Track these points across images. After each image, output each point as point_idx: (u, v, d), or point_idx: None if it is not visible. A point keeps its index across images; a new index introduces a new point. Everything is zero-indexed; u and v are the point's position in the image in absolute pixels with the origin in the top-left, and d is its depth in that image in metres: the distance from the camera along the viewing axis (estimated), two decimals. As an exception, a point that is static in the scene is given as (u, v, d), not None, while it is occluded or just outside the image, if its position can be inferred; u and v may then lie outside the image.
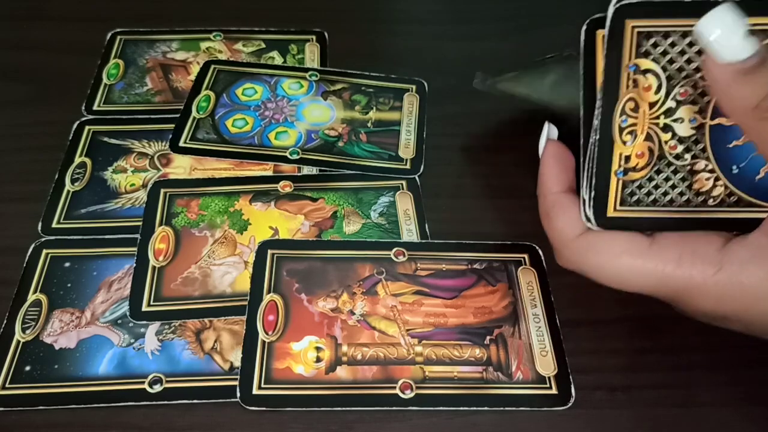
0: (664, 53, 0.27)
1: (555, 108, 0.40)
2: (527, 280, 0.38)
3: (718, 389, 0.34)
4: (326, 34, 0.52)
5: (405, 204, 0.41)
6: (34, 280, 0.37)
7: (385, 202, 0.41)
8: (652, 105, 0.28)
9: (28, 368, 0.34)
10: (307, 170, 0.43)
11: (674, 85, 0.28)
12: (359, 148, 0.44)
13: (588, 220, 0.30)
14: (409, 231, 0.40)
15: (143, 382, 0.34)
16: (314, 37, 0.52)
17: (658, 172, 0.29)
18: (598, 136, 0.28)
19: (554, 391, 0.34)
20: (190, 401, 0.33)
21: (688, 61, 0.27)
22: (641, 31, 0.27)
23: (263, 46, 0.51)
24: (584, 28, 0.29)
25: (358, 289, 0.37)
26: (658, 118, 0.28)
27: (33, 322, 0.35)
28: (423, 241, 0.40)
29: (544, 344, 0.35)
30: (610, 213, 0.29)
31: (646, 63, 0.27)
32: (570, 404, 0.34)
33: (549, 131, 0.32)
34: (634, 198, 0.29)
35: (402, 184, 0.42)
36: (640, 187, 0.29)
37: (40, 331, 0.35)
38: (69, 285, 0.37)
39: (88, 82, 0.48)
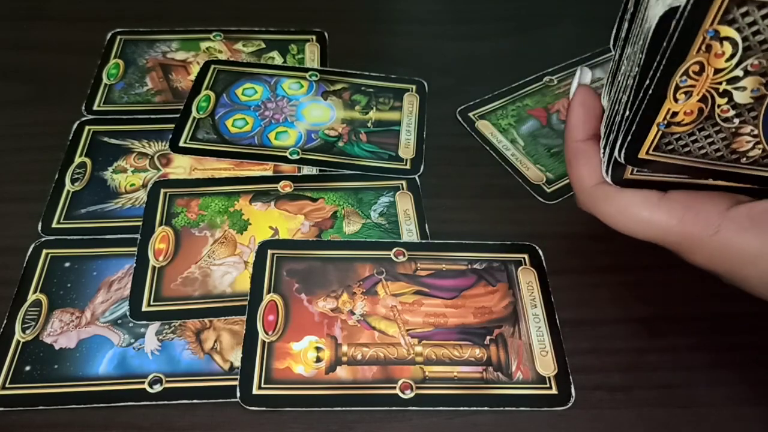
0: (752, 23, 0.25)
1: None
2: (527, 280, 0.38)
3: (718, 389, 0.34)
4: (326, 34, 0.52)
5: (405, 204, 0.41)
6: (34, 280, 0.37)
7: (385, 202, 0.41)
8: (718, 71, 0.27)
9: (28, 368, 0.34)
10: (307, 170, 0.43)
11: (749, 56, 0.26)
12: (359, 148, 0.44)
13: (613, 164, 0.30)
14: (409, 231, 0.40)
15: (143, 382, 0.34)
16: (314, 37, 0.52)
17: (701, 129, 0.28)
18: (651, 91, 0.27)
19: (554, 391, 0.34)
20: (190, 401, 0.33)
21: None
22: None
23: (263, 46, 0.51)
24: None
25: (358, 289, 0.37)
26: (720, 83, 0.27)
27: (33, 322, 0.35)
28: (423, 241, 0.40)
29: (544, 344, 0.35)
30: (642, 155, 0.29)
31: (727, 31, 0.25)
32: (570, 404, 0.34)
33: (581, 75, 0.33)
34: (669, 147, 0.29)
35: (402, 184, 0.42)
36: (678, 139, 0.29)
37: (40, 331, 0.35)
38: (69, 285, 0.37)
39: (88, 82, 0.48)
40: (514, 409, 0.33)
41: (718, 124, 0.28)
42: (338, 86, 0.48)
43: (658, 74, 0.27)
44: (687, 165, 0.29)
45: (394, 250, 0.39)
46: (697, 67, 0.27)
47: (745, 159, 0.29)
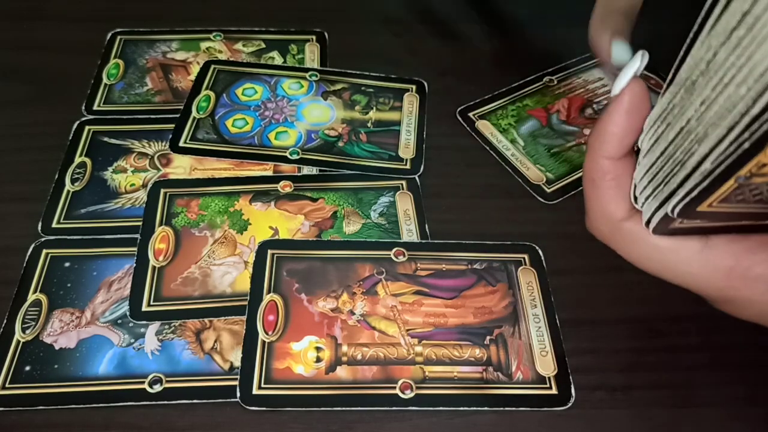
0: None
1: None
2: (527, 281, 0.38)
3: (718, 389, 0.34)
4: (326, 34, 0.52)
5: (405, 204, 0.41)
6: (34, 280, 0.37)
7: (385, 202, 0.41)
8: None
9: (28, 368, 0.34)
10: (307, 170, 0.43)
11: None
12: (359, 148, 0.44)
13: (666, 211, 0.24)
14: (409, 231, 0.40)
15: (143, 382, 0.34)
16: (314, 37, 0.52)
17: None
18: (742, 143, 0.21)
19: (554, 391, 0.34)
20: (190, 401, 0.33)
21: None
22: None
23: (263, 46, 0.51)
24: None
25: (358, 289, 0.37)
26: None
27: (33, 322, 0.35)
28: (423, 241, 0.40)
29: (544, 344, 0.35)
30: (702, 208, 0.24)
31: None
32: (570, 404, 0.34)
33: (642, 60, 0.23)
34: (739, 198, 0.24)
35: (402, 183, 0.42)
36: (752, 189, 0.23)
37: (40, 331, 0.35)
38: (69, 285, 0.37)
39: (88, 82, 0.48)
40: (514, 409, 0.33)
41: None
42: (338, 86, 0.48)
43: (746, 113, 0.21)
44: (750, 212, 0.24)
45: (394, 250, 0.39)
46: None
47: None
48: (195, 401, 0.33)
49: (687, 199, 0.23)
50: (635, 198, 0.25)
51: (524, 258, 0.39)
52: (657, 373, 0.35)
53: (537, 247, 0.39)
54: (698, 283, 0.26)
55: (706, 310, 0.37)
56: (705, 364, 0.35)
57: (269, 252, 0.38)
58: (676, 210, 0.24)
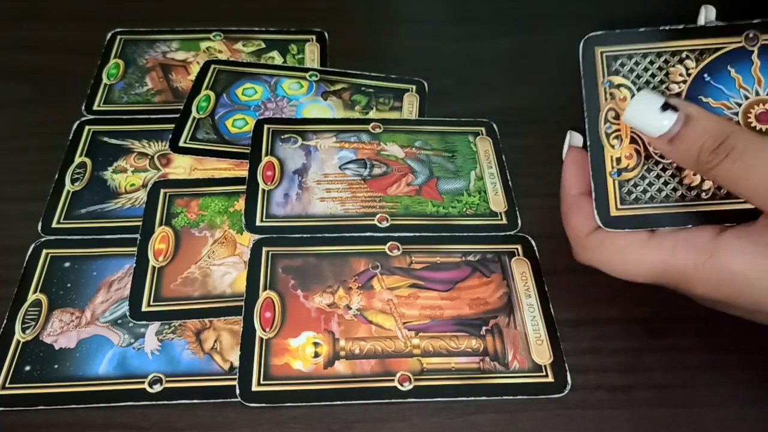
0: (631, 70, 0.32)
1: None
2: (521, 271, 0.38)
3: (718, 389, 0.34)
4: (326, 34, 0.52)
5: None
6: (34, 280, 0.37)
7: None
8: None
9: (28, 368, 0.34)
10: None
11: None
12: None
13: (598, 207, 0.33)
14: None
15: (143, 382, 0.34)
16: (314, 37, 0.52)
17: (649, 170, 0.32)
18: (589, 142, 0.32)
19: (551, 379, 0.34)
20: (190, 401, 0.33)
21: (652, 75, 0.32)
22: (609, 55, 0.33)
23: (263, 46, 0.51)
24: (581, 45, 0.33)
25: (354, 284, 0.37)
26: None
27: (33, 322, 0.35)
28: (416, 234, 0.39)
29: (539, 333, 0.36)
30: (613, 213, 0.32)
31: (617, 79, 0.32)
32: (566, 391, 0.34)
33: (572, 138, 0.35)
34: (632, 196, 0.32)
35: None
36: (635, 185, 0.32)
37: (40, 331, 0.35)
38: (69, 285, 0.37)
39: (88, 82, 0.48)
40: (513, 408, 0.33)
41: (659, 161, 0.32)
42: (338, 86, 0.48)
43: (587, 124, 0.33)
44: (656, 214, 0.31)
45: (389, 244, 0.39)
46: (613, 113, 0.32)
47: (704, 193, 0.31)
48: (195, 401, 0.33)
49: (595, 203, 0.32)
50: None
51: (517, 249, 0.39)
52: (657, 373, 0.35)
53: (529, 238, 0.39)
54: (656, 267, 0.30)
55: (706, 310, 0.37)
56: (705, 364, 0.35)
57: (264, 249, 0.38)
58: (596, 218, 0.32)
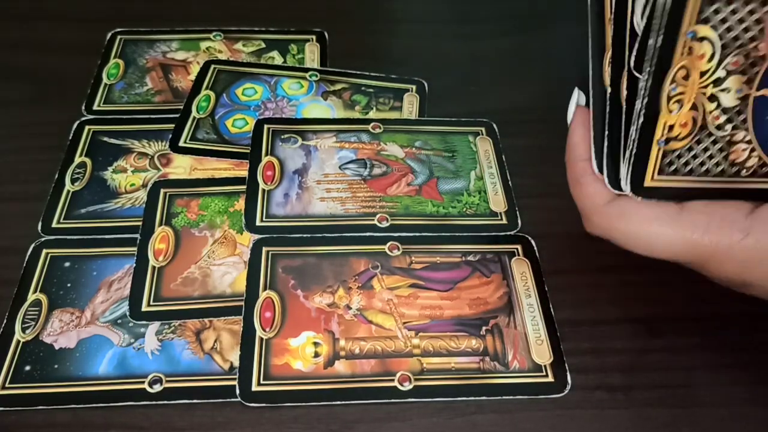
0: (724, 20, 0.27)
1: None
2: (521, 271, 0.38)
3: (718, 389, 0.34)
4: (326, 34, 0.52)
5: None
6: (34, 280, 0.37)
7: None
8: (702, 74, 0.28)
9: (28, 368, 0.34)
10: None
11: (727, 54, 0.27)
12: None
13: (618, 187, 0.30)
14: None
15: (143, 382, 0.34)
16: (314, 37, 0.52)
17: (699, 142, 0.29)
18: (645, 103, 0.28)
19: (550, 379, 0.34)
20: (190, 401, 0.33)
21: (746, 30, 0.27)
22: None
23: (263, 46, 0.51)
24: None
25: (354, 284, 0.37)
26: (706, 87, 0.28)
27: (33, 322, 0.35)
28: (416, 234, 0.39)
29: (539, 333, 0.36)
30: (648, 183, 0.29)
31: (704, 30, 0.27)
32: (566, 391, 0.34)
33: (578, 97, 0.32)
34: (672, 168, 0.29)
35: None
36: (679, 156, 0.29)
37: (40, 331, 0.35)
38: (69, 285, 0.37)
39: (88, 82, 0.48)
40: (513, 407, 0.33)
41: (713, 133, 0.29)
42: (338, 86, 0.48)
43: (649, 83, 0.27)
44: (691, 188, 0.29)
45: (389, 244, 0.39)
46: (684, 72, 0.27)
47: (745, 171, 0.29)
48: (195, 401, 0.33)
49: (629, 170, 0.29)
50: (616, 186, 0.30)
51: (517, 249, 0.39)
52: (657, 373, 0.35)
53: (529, 238, 0.40)
54: (684, 244, 0.28)
55: (706, 310, 0.37)
56: (705, 364, 0.35)
57: (264, 249, 0.38)
58: (627, 183, 0.29)
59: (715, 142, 0.29)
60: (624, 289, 0.38)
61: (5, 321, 0.35)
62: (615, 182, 0.30)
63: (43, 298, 0.36)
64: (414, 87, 0.48)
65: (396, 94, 0.48)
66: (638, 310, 0.37)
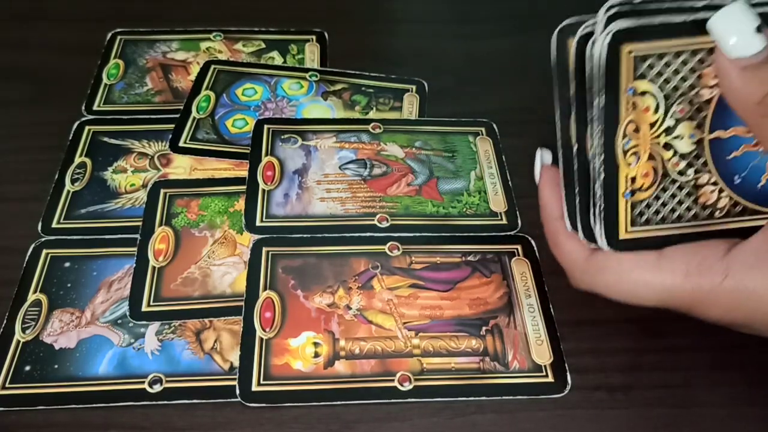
0: (660, 74, 0.28)
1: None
2: (521, 271, 0.38)
3: (718, 389, 0.34)
4: (326, 34, 0.52)
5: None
6: (34, 280, 0.37)
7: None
8: (652, 125, 0.28)
9: (28, 368, 0.34)
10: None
11: (671, 103, 0.28)
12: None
13: (594, 242, 0.30)
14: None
15: (143, 382, 0.34)
16: (314, 37, 0.52)
17: (664, 189, 0.29)
18: (602, 160, 0.29)
19: (550, 379, 0.34)
20: (190, 401, 0.33)
21: (683, 79, 0.28)
22: (637, 55, 0.27)
23: (263, 46, 0.51)
24: (555, 36, 0.30)
25: (354, 284, 0.37)
26: (659, 137, 0.29)
27: (33, 322, 0.35)
28: (417, 234, 0.39)
29: (539, 333, 0.36)
30: (622, 235, 0.30)
31: (643, 85, 0.28)
32: (566, 391, 0.34)
33: (542, 156, 0.33)
34: (644, 218, 0.30)
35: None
36: (648, 206, 0.30)
37: (40, 331, 0.35)
38: (69, 285, 0.37)
39: (88, 82, 0.48)
40: (513, 407, 0.33)
41: (676, 180, 0.29)
42: (338, 86, 0.48)
43: (602, 140, 0.28)
44: (667, 235, 0.30)
45: (389, 244, 0.39)
46: (633, 126, 0.28)
47: (718, 212, 0.30)
48: (195, 401, 0.33)
49: (603, 227, 0.29)
50: (591, 241, 0.31)
51: (517, 249, 0.39)
52: (657, 373, 0.35)
53: (529, 238, 0.40)
54: (665, 291, 0.29)
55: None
56: (705, 364, 0.35)
57: (264, 249, 0.38)
58: (603, 240, 0.30)
59: (681, 188, 0.30)
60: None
61: (5, 321, 0.35)
62: (591, 237, 0.31)
63: (43, 298, 0.36)
64: (414, 87, 0.48)
65: (396, 94, 0.48)
66: (638, 310, 0.37)
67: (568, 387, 0.34)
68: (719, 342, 0.36)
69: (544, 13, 0.55)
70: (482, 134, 0.45)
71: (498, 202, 0.41)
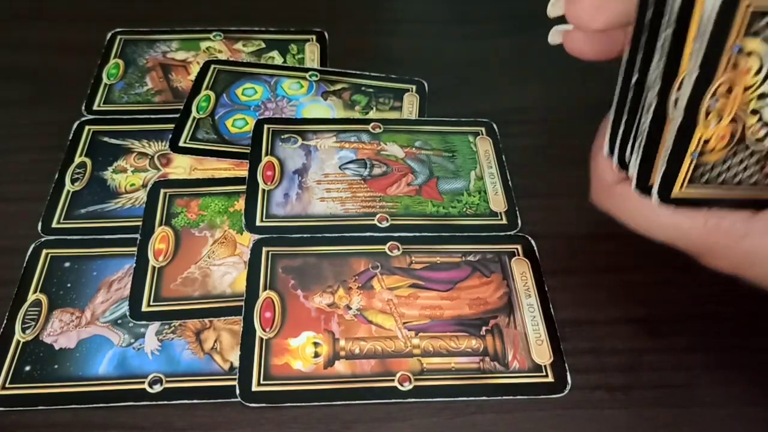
0: None
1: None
2: (521, 271, 0.38)
3: (718, 389, 0.34)
4: (326, 34, 0.52)
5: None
6: (34, 280, 0.37)
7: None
8: (746, 88, 0.26)
9: (28, 368, 0.34)
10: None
11: None
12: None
13: (646, 193, 0.29)
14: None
15: (143, 382, 0.34)
16: (314, 37, 0.52)
17: (735, 153, 0.28)
18: (681, 118, 0.26)
19: (551, 379, 0.34)
20: (190, 401, 0.33)
21: None
22: (756, 11, 0.24)
23: (263, 46, 0.51)
24: None
25: (354, 284, 0.37)
26: (750, 102, 0.26)
27: (33, 322, 0.35)
28: (416, 234, 0.39)
29: (539, 333, 0.36)
30: (676, 193, 0.28)
31: (752, 44, 0.25)
32: (566, 391, 0.34)
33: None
34: (704, 178, 0.28)
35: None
36: (712, 167, 0.28)
37: (40, 331, 0.35)
38: (69, 285, 0.37)
39: (88, 82, 0.48)
40: (513, 407, 0.33)
41: (750, 146, 0.27)
42: (338, 86, 0.48)
43: (688, 97, 0.26)
44: (721, 198, 0.28)
45: (389, 244, 0.39)
46: (726, 87, 0.26)
47: None
48: (195, 401, 0.33)
49: (660, 181, 0.28)
50: (623, 163, 0.30)
51: (517, 249, 0.39)
52: (657, 373, 0.35)
53: (529, 238, 0.40)
54: (681, 234, 0.29)
55: (707, 310, 0.37)
56: (705, 364, 0.35)
57: (264, 249, 0.38)
58: (655, 194, 0.28)
59: (752, 155, 0.28)
60: (624, 289, 0.38)
61: (5, 321, 0.35)
62: (624, 167, 0.30)
63: (43, 298, 0.36)
64: (414, 87, 0.48)
65: (396, 94, 0.48)
66: (638, 310, 0.37)
67: (568, 387, 0.34)
68: (719, 342, 0.36)
69: (544, 13, 0.55)
70: (482, 134, 0.45)
71: (498, 202, 0.41)
